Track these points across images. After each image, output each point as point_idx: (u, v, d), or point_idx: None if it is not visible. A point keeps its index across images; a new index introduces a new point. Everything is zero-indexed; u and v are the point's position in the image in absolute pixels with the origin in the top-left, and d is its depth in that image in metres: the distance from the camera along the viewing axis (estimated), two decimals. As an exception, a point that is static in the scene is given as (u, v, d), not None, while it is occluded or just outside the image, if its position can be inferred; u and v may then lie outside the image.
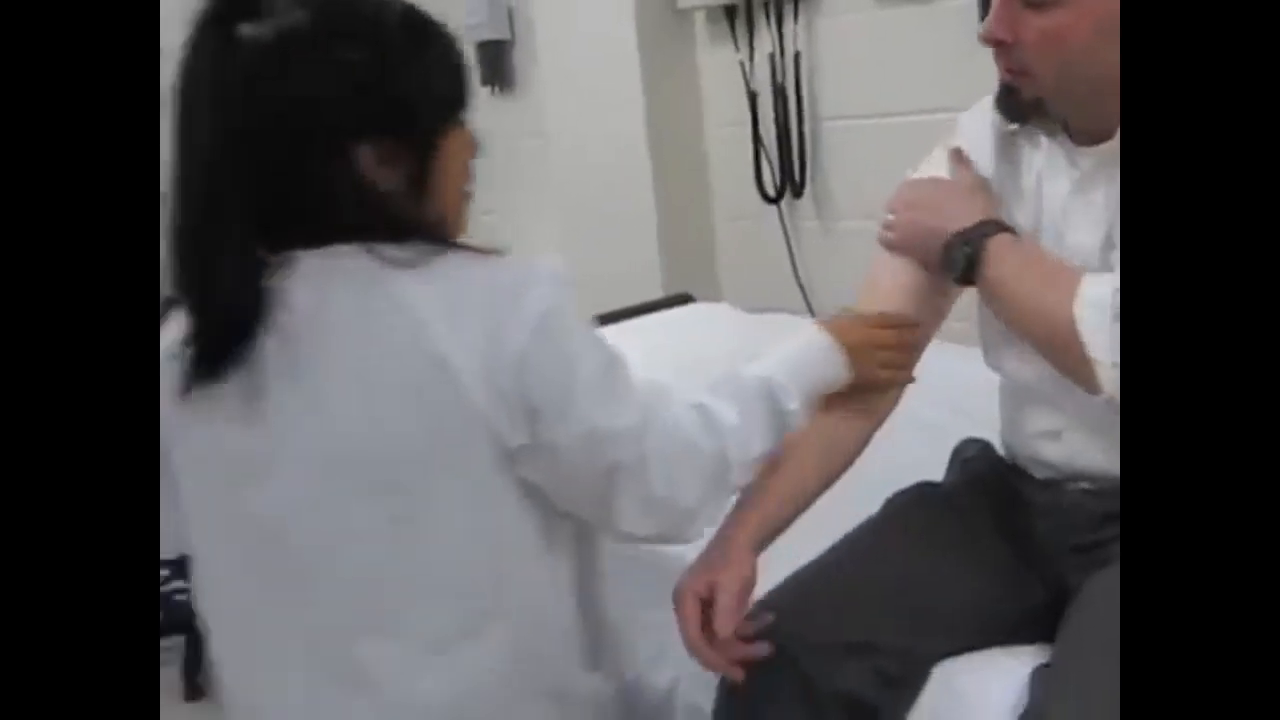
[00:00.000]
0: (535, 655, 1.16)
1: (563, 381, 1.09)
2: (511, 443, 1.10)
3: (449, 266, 1.08)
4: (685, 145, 2.71)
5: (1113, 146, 1.27)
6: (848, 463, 1.41)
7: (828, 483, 1.39)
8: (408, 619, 1.11)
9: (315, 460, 1.09)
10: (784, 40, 2.48)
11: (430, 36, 1.12)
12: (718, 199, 2.75)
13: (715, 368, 1.37)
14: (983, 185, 1.38)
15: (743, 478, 1.25)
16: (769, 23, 2.49)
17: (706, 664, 1.24)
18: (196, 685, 2.78)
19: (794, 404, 1.27)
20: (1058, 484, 1.38)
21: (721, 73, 2.63)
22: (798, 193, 2.55)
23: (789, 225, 2.59)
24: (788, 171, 2.55)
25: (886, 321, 1.39)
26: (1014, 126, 1.37)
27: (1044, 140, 1.35)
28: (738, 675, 1.23)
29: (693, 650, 1.24)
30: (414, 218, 1.10)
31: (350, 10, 1.10)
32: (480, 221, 3.32)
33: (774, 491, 1.33)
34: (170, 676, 2.84)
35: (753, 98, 2.55)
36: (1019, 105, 1.33)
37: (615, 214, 2.72)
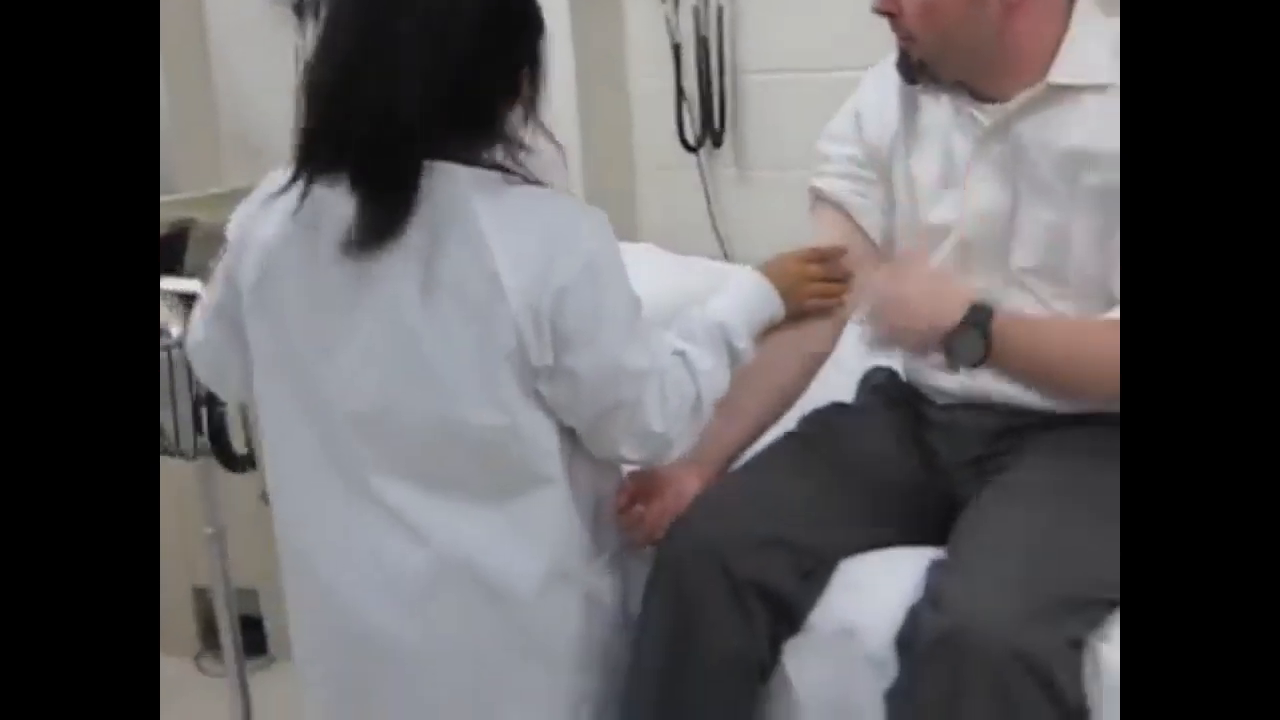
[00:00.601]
0: (553, 538, 1.36)
1: (593, 316, 1.28)
2: (537, 361, 1.28)
3: (524, 198, 1.28)
4: (610, 93, 2.79)
5: (1010, 106, 1.41)
6: (794, 397, 1.59)
7: (775, 416, 1.58)
8: (448, 477, 1.32)
9: (368, 350, 1.29)
10: (707, -6, 2.58)
11: None
12: (640, 147, 2.84)
13: (659, 302, 1.55)
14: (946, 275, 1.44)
15: (709, 414, 1.43)
16: (694, -25, 2.59)
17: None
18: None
19: (743, 343, 1.45)
20: (954, 407, 1.53)
21: (648, 23, 2.72)
22: (717, 142, 2.66)
23: (707, 174, 2.70)
24: (708, 122, 2.66)
25: (815, 255, 1.55)
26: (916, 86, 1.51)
27: (945, 96, 1.48)
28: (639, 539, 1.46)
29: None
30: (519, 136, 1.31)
31: None
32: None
33: (728, 424, 1.51)
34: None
35: (676, 48, 2.64)
36: (912, 68, 1.47)
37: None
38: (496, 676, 1.37)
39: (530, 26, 1.31)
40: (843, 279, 1.56)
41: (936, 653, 1.23)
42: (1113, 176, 1.35)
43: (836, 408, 1.62)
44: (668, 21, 2.64)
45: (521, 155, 1.34)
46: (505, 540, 1.34)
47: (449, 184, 1.27)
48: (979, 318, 1.36)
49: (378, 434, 1.32)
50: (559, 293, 1.26)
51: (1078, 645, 1.23)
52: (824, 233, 1.60)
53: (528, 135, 1.34)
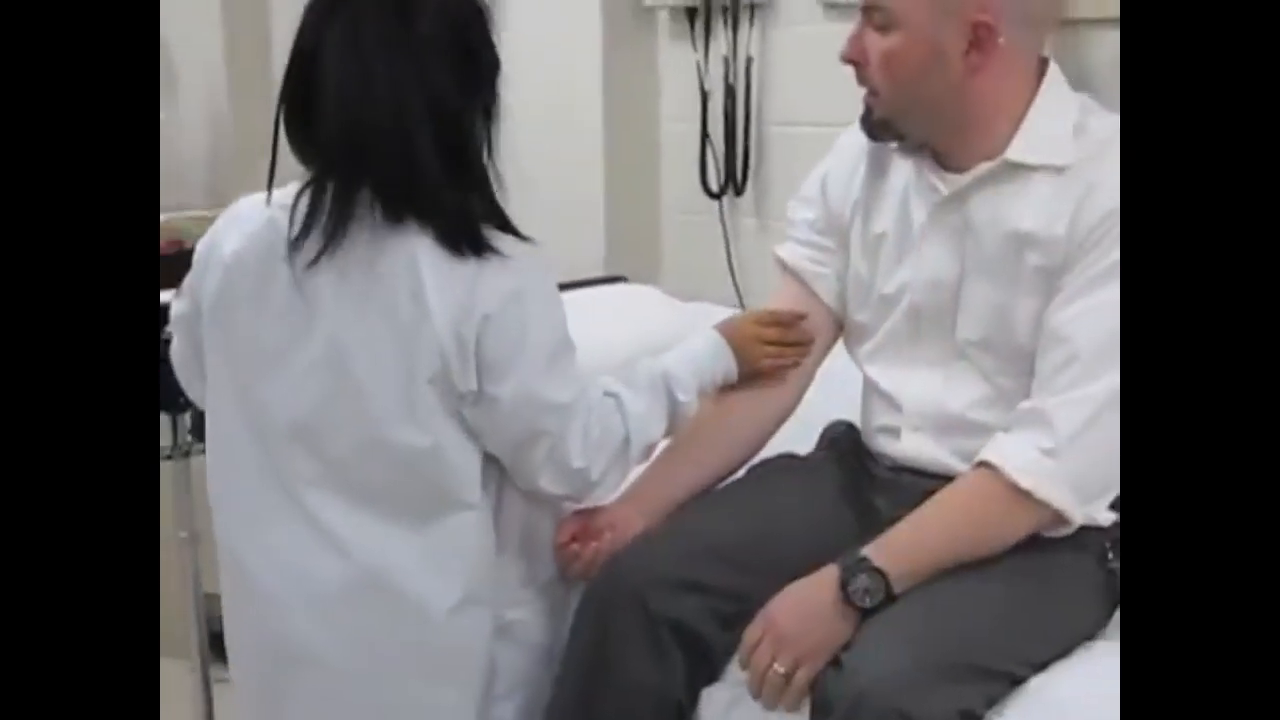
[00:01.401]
0: (469, 563, 1.38)
1: (515, 345, 1.31)
2: (462, 386, 1.31)
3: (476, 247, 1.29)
4: (639, 137, 2.83)
5: (966, 178, 1.40)
6: (748, 454, 1.60)
7: (727, 471, 1.59)
8: (373, 493, 1.36)
9: (316, 364, 1.33)
10: (738, 45, 2.61)
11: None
12: (666, 191, 2.88)
13: (635, 345, 1.58)
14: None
15: (642, 457, 1.47)
16: (725, 27, 2.62)
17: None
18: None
19: (685, 396, 1.49)
20: (899, 469, 1.52)
21: (680, 71, 2.76)
22: (739, 191, 2.68)
23: (728, 221, 2.72)
24: (731, 170, 2.68)
25: (774, 319, 1.59)
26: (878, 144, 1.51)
27: (910, 160, 1.48)
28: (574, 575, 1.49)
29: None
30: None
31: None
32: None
33: (677, 474, 1.56)
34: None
35: (705, 97, 2.67)
36: (873, 124, 1.47)
37: (566, 197, 2.84)
38: (405, 693, 1.39)
39: (486, 66, 1.34)
40: (800, 343, 1.59)
41: (833, 710, 1.23)
42: (1055, 259, 1.35)
43: (785, 458, 1.62)
44: (698, 69, 2.68)
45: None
46: (421, 560, 1.37)
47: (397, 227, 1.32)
48: (853, 565, 1.31)
49: (312, 447, 1.36)
50: (483, 320, 1.29)
51: (972, 717, 1.21)
52: (782, 299, 1.63)
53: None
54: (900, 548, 1.33)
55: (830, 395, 1.67)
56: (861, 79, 1.44)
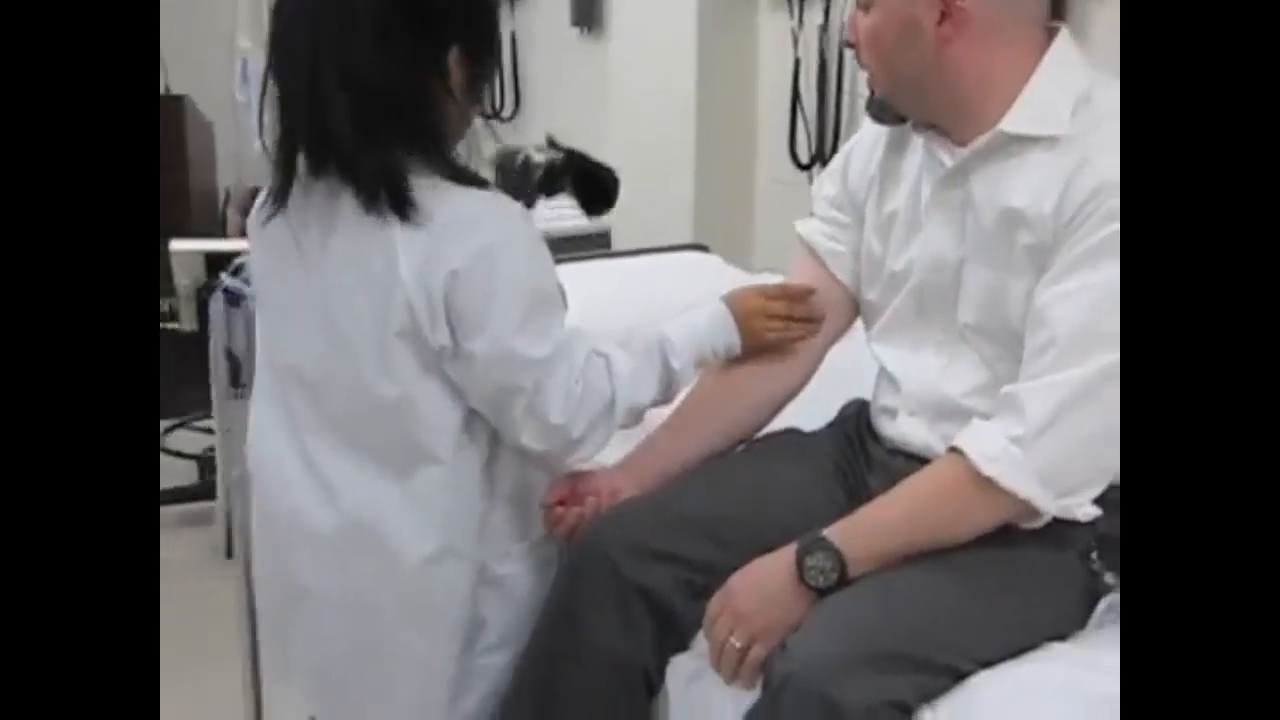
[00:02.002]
0: (444, 515, 1.41)
1: (484, 301, 1.33)
2: (433, 341, 1.34)
3: (439, 192, 1.33)
4: (734, 105, 2.82)
5: (967, 151, 1.36)
6: (750, 431, 1.59)
7: (727, 445, 1.57)
8: (362, 442, 1.41)
9: (314, 317, 1.39)
10: (830, 13, 2.57)
11: None
12: (760, 160, 2.85)
13: (676, 310, 1.58)
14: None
15: (628, 420, 1.46)
16: (821, -3, 2.58)
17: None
18: (231, 545, 3.06)
19: (679, 363, 1.48)
20: (896, 452, 1.49)
21: (778, 40, 2.72)
22: (826, 163, 2.64)
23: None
24: (822, 141, 2.64)
25: (781, 293, 1.56)
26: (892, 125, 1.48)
27: (921, 138, 1.44)
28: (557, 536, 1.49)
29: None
30: (455, 121, 1.37)
31: None
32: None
33: (674, 446, 1.55)
34: (210, 535, 3.14)
35: (797, 66, 2.64)
36: (875, 106, 1.44)
37: (660, 163, 2.84)
38: (386, 636, 1.45)
39: (457, 6, 1.35)
40: (809, 319, 1.56)
41: (769, 688, 1.22)
42: (1044, 237, 1.30)
43: (786, 434, 1.59)
44: (794, 37, 2.64)
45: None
46: (401, 510, 1.41)
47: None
48: (810, 544, 1.29)
49: (312, 397, 1.43)
50: (450, 276, 1.31)
51: (901, 708, 1.18)
52: (798, 274, 1.61)
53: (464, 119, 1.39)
54: (860, 529, 1.30)
55: (856, 375, 1.64)
56: (860, 61, 1.42)
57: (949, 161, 1.39)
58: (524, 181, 1.73)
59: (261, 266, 1.48)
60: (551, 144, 1.80)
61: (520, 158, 1.75)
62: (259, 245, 1.46)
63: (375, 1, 1.30)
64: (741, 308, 1.54)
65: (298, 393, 1.44)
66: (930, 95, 1.38)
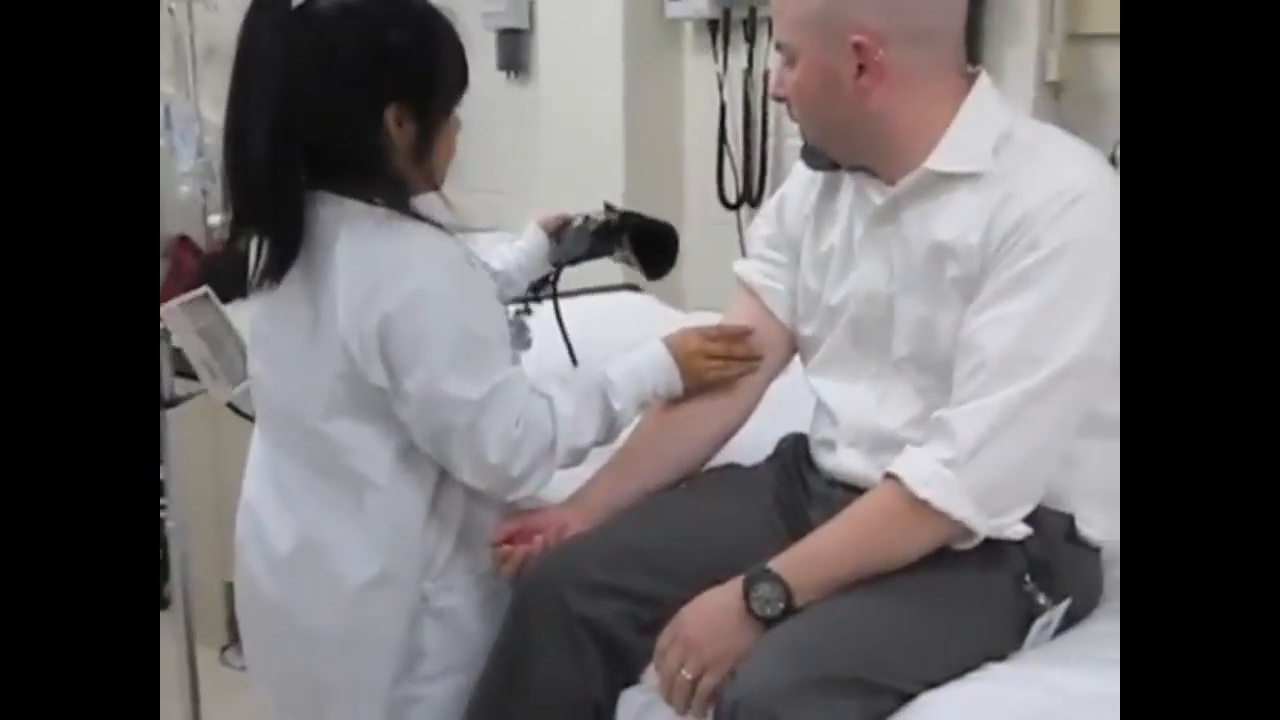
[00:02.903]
0: (385, 544, 1.45)
1: (415, 343, 1.38)
2: (371, 378, 1.39)
3: (382, 230, 1.37)
4: (661, 147, 2.86)
5: (901, 186, 1.41)
6: (693, 466, 1.63)
7: (672, 481, 1.61)
8: (318, 467, 1.46)
9: (283, 358, 1.45)
10: (755, 58, 2.63)
11: (448, 32, 1.43)
12: (689, 201, 2.90)
13: (613, 351, 1.61)
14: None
15: (569, 460, 1.50)
16: (745, 39, 2.64)
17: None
18: (161, 596, 3.01)
19: (620, 404, 1.52)
20: (834, 484, 1.53)
21: (703, 83, 2.78)
22: (754, 203, 2.70)
23: (745, 233, 2.73)
24: (748, 182, 2.70)
25: (721, 333, 1.61)
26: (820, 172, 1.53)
27: (851, 178, 1.49)
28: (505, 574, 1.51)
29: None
30: (405, 177, 1.41)
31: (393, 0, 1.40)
32: (488, 201, 3.50)
33: (621, 482, 1.58)
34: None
35: (722, 109, 2.69)
36: (807, 153, 1.50)
37: (590, 205, 2.87)
38: (324, 657, 1.50)
39: (400, 65, 1.38)
40: (748, 357, 1.60)
41: (720, 717, 1.24)
42: (972, 268, 1.35)
43: (726, 468, 1.63)
44: (718, 81, 2.70)
45: (414, 192, 1.44)
46: (344, 535, 1.46)
47: (333, 211, 1.40)
48: (756, 575, 1.32)
49: (279, 420, 1.50)
50: (383, 319, 1.36)
51: None
52: (736, 313, 1.66)
53: (420, 172, 1.43)
54: (803, 559, 1.33)
55: (794, 410, 1.68)
56: (790, 113, 1.47)
57: (879, 200, 1.44)
58: (578, 243, 1.76)
59: (258, 309, 1.51)
60: (608, 207, 1.84)
61: (576, 219, 1.79)
62: (258, 305, 1.49)
63: (306, 69, 1.34)
64: (682, 349, 1.58)
65: (268, 418, 1.51)
66: (857, 141, 1.43)
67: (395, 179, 1.40)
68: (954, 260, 1.36)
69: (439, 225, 1.42)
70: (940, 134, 1.39)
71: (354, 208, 1.39)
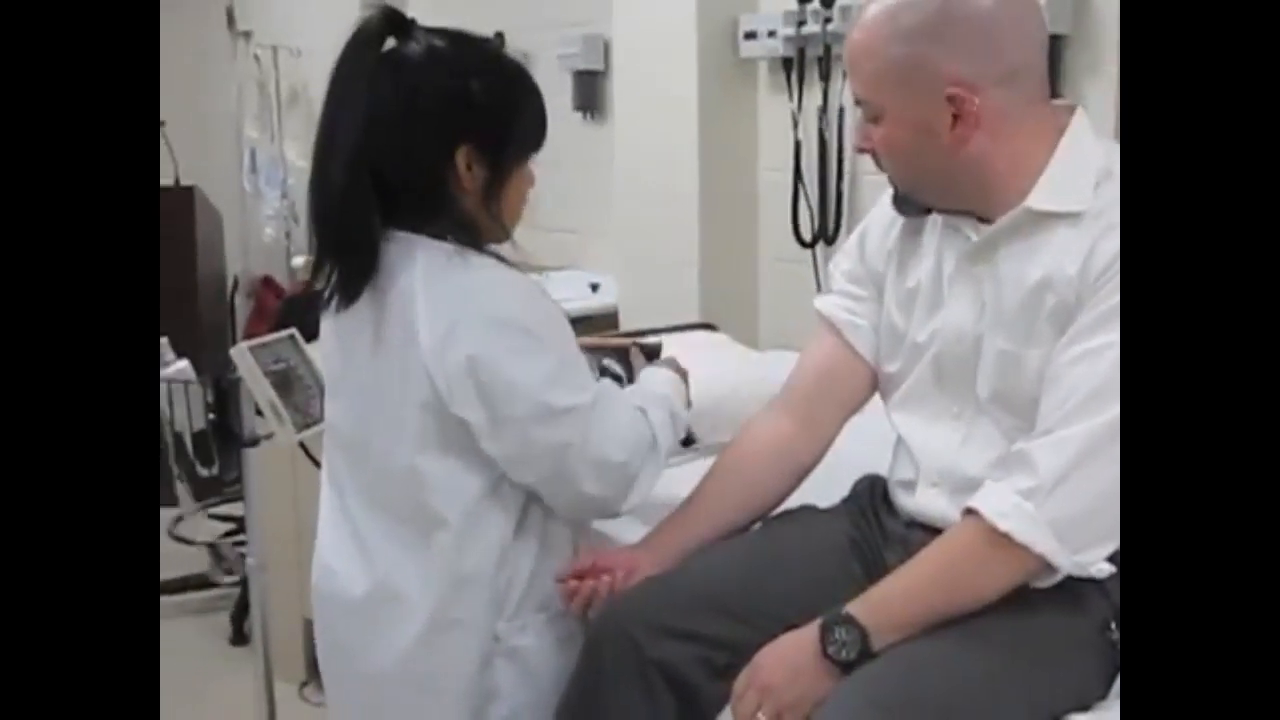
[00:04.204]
0: (447, 584, 1.46)
1: (509, 375, 1.40)
2: (456, 410, 1.40)
3: (458, 266, 1.40)
4: (736, 185, 2.86)
5: (993, 228, 1.39)
6: (767, 508, 1.61)
7: (745, 523, 1.60)
8: (393, 511, 1.48)
9: (358, 386, 1.49)
10: (830, 95, 2.62)
11: (530, 85, 1.48)
12: (764, 240, 2.89)
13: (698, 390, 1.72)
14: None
15: (665, 461, 1.54)
16: (820, 78, 2.63)
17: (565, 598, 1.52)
18: (242, 632, 3.06)
19: (681, 414, 1.61)
20: (913, 525, 1.50)
21: (778, 121, 2.78)
22: (830, 240, 2.68)
23: (821, 271, 2.71)
24: (824, 219, 2.68)
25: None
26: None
27: (942, 216, 1.47)
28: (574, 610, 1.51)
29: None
30: (475, 218, 1.44)
31: (477, 48, 1.46)
32: (562, 240, 3.53)
33: (692, 524, 1.58)
34: (220, 622, 3.14)
35: (797, 146, 2.69)
36: (899, 201, 1.48)
37: (665, 243, 2.89)
38: (399, 701, 1.51)
39: (476, 109, 1.41)
40: None
41: None
42: (1069, 298, 1.33)
43: (800, 510, 1.61)
44: (793, 118, 2.70)
45: (489, 235, 1.47)
46: (418, 573, 1.47)
47: (405, 250, 1.43)
48: (833, 619, 1.31)
49: (350, 461, 1.52)
50: (471, 354, 1.38)
51: None
52: (818, 350, 1.63)
53: (489, 217, 1.46)
54: (880, 601, 1.31)
55: (871, 452, 1.66)
56: (877, 164, 1.46)
57: (975, 237, 1.42)
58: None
59: (329, 348, 1.55)
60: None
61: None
62: (329, 329, 1.53)
63: (388, 106, 1.38)
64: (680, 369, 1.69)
65: (340, 458, 1.53)
66: (954, 187, 1.41)
67: (464, 220, 1.43)
68: (1051, 292, 1.34)
69: (508, 262, 1.45)
70: (1038, 172, 1.37)
71: (425, 243, 1.42)
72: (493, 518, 1.46)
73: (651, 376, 1.65)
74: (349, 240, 1.41)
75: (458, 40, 1.44)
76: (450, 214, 1.42)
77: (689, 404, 1.66)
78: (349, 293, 1.43)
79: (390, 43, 1.42)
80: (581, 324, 2.92)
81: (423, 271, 1.40)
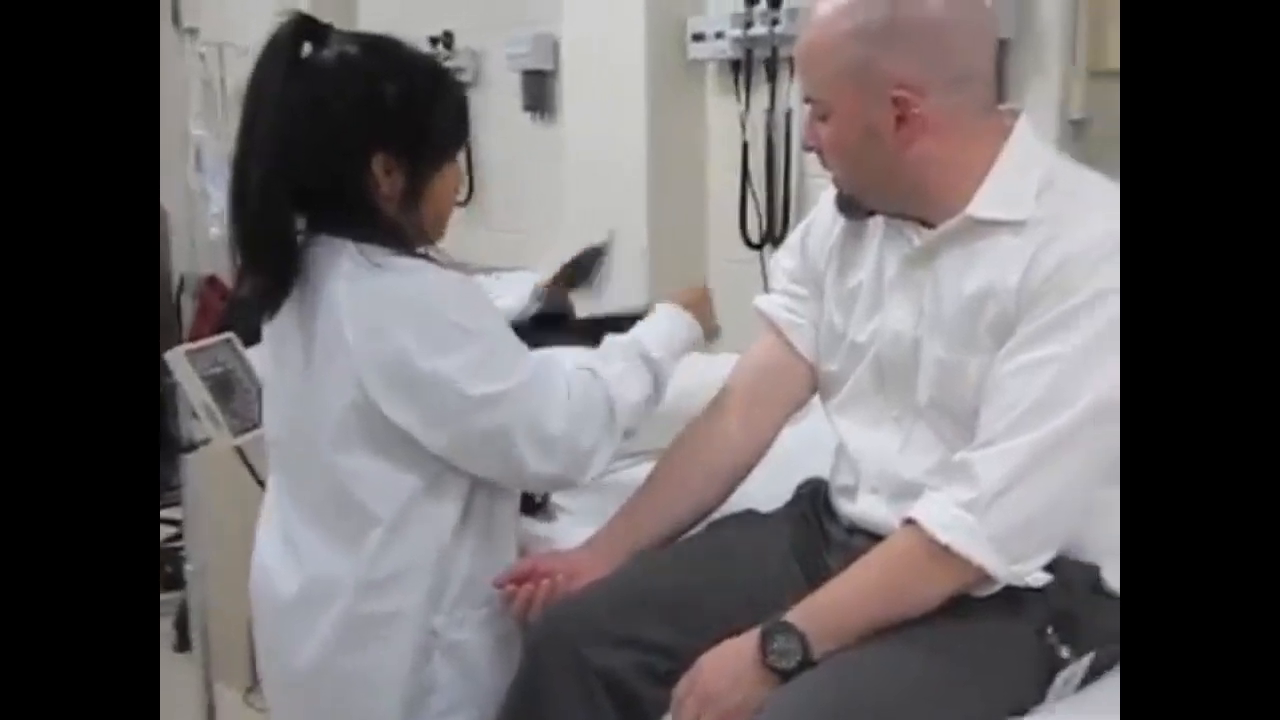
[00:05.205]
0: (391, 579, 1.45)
1: (433, 369, 1.38)
2: (387, 411, 1.40)
3: (385, 267, 1.39)
4: (685, 187, 2.86)
5: (941, 231, 1.39)
6: (713, 504, 1.61)
7: (691, 520, 1.60)
8: (319, 509, 1.48)
9: (283, 395, 1.49)
10: (776, 96, 2.62)
11: (447, 85, 1.47)
12: (712, 241, 2.89)
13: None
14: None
15: (628, 419, 1.50)
16: (766, 79, 2.63)
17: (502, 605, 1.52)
18: (186, 638, 3.02)
19: (658, 352, 1.55)
20: (854, 530, 1.51)
21: (726, 122, 2.78)
22: (777, 242, 2.68)
23: (769, 272, 2.71)
24: (771, 221, 2.69)
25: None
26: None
27: (883, 220, 1.48)
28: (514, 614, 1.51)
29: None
30: (398, 223, 1.43)
31: (391, 52, 1.45)
32: (512, 240, 3.51)
33: (638, 522, 1.57)
34: (164, 628, 3.10)
35: (745, 148, 2.69)
36: (842, 203, 1.48)
37: (615, 244, 2.87)
38: (337, 697, 1.50)
39: (389, 115, 1.41)
40: None
41: None
42: (1009, 309, 1.33)
43: (743, 515, 1.61)
44: (740, 121, 2.70)
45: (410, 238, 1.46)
46: (351, 571, 1.46)
47: (330, 254, 1.43)
48: (773, 627, 1.30)
49: (288, 458, 1.52)
50: (398, 352, 1.38)
51: None
52: (759, 349, 1.63)
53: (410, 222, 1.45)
54: (820, 609, 1.31)
55: (812, 456, 1.66)
56: (823, 163, 1.45)
57: (917, 241, 1.42)
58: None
59: (265, 352, 1.55)
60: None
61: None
62: (266, 333, 1.53)
63: (300, 114, 1.38)
64: (683, 300, 1.67)
65: (275, 459, 1.53)
66: (897, 190, 1.41)
67: (387, 225, 1.42)
68: (991, 301, 1.34)
69: (437, 262, 1.45)
70: (980, 178, 1.37)
71: (348, 248, 1.41)
72: (431, 513, 1.46)
73: (645, 321, 1.62)
74: (266, 248, 1.41)
75: (372, 46, 1.44)
76: (370, 219, 1.42)
77: (694, 333, 1.64)
78: (272, 300, 1.44)
79: (306, 49, 1.41)
80: (533, 324, 2.92)
81: (347, 276, 1.40)
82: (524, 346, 1.47)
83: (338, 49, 1.41)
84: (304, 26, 1.40)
